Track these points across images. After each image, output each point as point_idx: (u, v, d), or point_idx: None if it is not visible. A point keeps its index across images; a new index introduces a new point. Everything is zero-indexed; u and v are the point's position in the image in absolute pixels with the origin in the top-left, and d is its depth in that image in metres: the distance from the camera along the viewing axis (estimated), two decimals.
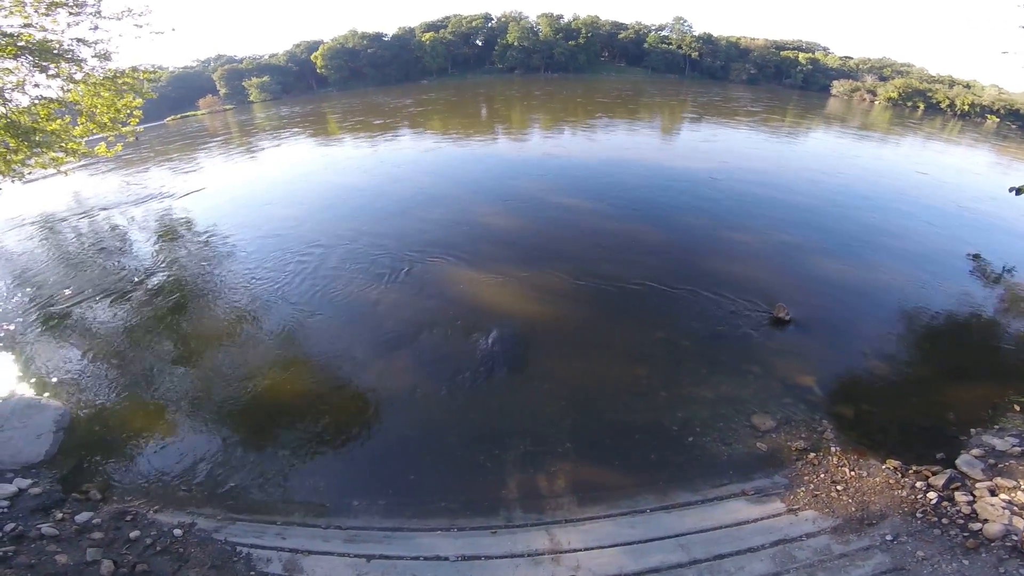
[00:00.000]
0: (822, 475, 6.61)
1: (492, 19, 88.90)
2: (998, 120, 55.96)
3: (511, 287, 11.57)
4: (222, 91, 79.76)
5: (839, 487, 6.42)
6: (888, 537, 5.69)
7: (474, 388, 8.42)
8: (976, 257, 13.51)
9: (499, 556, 5.64)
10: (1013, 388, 8.23)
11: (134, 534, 5.78)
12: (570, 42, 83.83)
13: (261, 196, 20.27)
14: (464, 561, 5.58)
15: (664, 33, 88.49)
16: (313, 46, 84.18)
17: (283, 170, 25.54)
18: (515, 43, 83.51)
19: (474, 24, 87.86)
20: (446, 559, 5.60)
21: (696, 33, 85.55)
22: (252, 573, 5.44)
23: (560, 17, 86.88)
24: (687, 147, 28.12)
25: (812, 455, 6.92)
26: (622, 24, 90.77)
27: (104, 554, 5.39)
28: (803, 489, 6.41)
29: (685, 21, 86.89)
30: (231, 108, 73.96)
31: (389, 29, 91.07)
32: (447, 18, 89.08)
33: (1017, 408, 7.82)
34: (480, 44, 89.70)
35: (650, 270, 12.02)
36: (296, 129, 41.85)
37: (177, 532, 5.86)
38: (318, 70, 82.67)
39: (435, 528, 6.01)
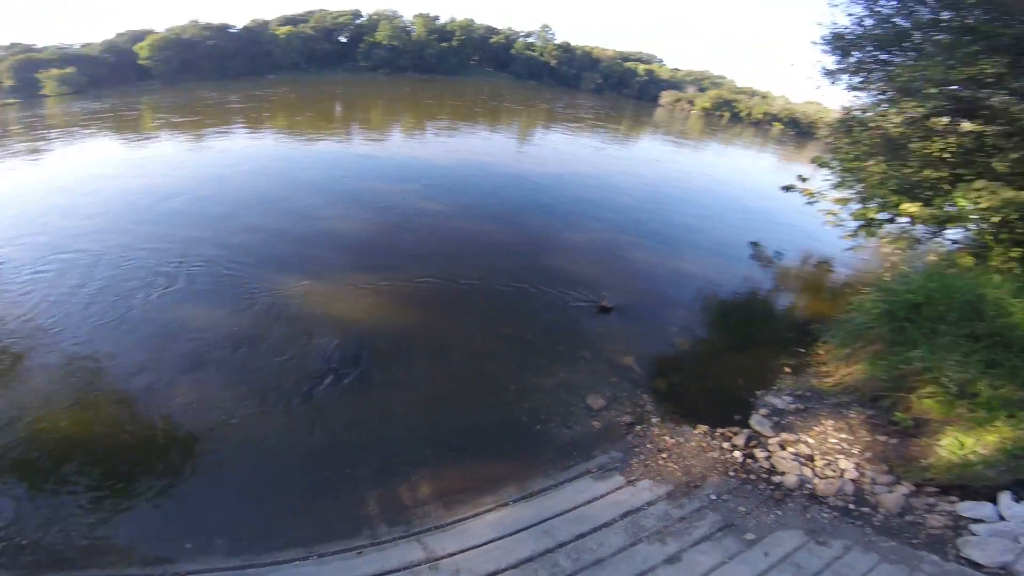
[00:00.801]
0: (648, 445, 7.38)
1: (362, 16, 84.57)
2: (782, 127, 68.92)
3: (353, 295, 11.17)
4: (6, 83, 64.42)
5: (664, 455, 7.19)
6: (713, 497, 6.44)
7: (314, 405, 7.98)
8: (755, 244, 16.91)
9: (372, 575, 5.50)
10: (785, 353, 10.24)
11: None
12: (443, 44, 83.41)
13: (43, 207, 16.13)
14: None
15: (531, 40, 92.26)
16: (140, 36, 72.02)
17: (74, 175, 20.56)
18: (384, 41, 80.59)
19: (341, 20, 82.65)
20: None
21: (557, 41, 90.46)
22: None
23: (437, 18, 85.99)
24: (535, 151, 30.14)
25: (638, 427, 7.77)
26: (495, 29, 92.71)
27: None
28: (636, 460, 7.10)
29: (550, 29, 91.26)
30: (13, 102, 60.17)
31: (241, 22, 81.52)
32: (311, 13, 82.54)
33: (788, 370, 9.69)
34: (344, 41, 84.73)
35: (496, 270, 12.64)
36: (100, 126, 35.27)
37: None
38: (140, 61, 71.05)
39: (293, 559, 5.70)
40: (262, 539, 5.98)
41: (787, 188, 16.57)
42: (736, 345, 10.77)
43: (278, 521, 6.21)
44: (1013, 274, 9.60)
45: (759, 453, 7.26)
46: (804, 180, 15.60)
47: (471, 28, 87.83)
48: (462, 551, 5.78)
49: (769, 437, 7.67)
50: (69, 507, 6.26)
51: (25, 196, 17.73)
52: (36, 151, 27.06)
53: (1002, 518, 6.22)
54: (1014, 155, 9.68)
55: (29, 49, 70.45)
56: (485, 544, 5.86)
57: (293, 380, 8.43)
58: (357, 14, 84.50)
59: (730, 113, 75.82)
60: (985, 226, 11.01)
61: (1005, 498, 6.44)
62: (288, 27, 78.01)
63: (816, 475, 7.06)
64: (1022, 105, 9.72)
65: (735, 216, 20.50)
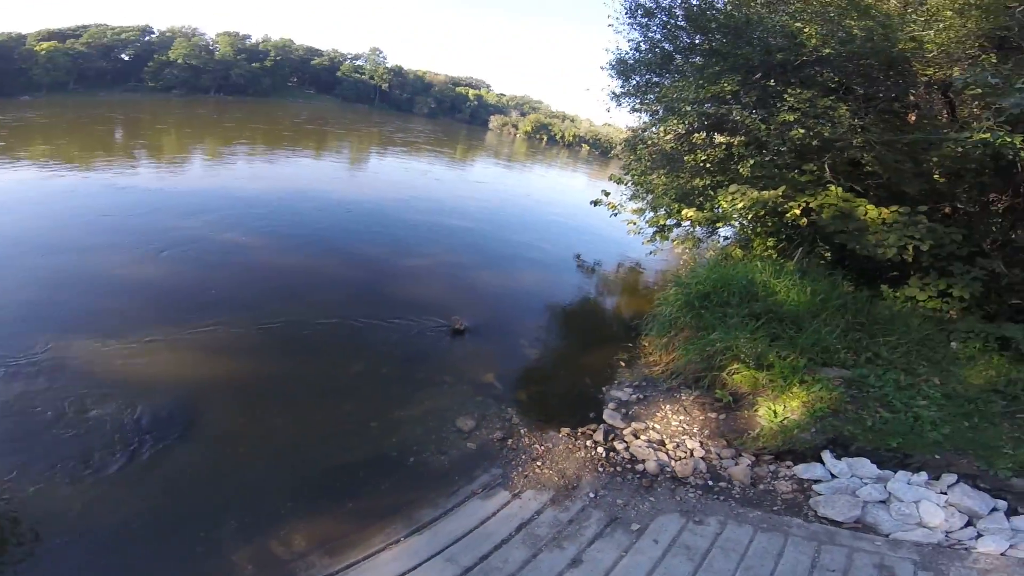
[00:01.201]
0: (523, 456, 7.50)
1: (153, 32, 72.00)
2: (588, 148, 78.80)
3: (163, 350, 9.22)
4: None
5: (539, 463, 7.33)
6: (591, 495, 6.59)
7: (140, 470, 6.64)
8: (578, 257, 19.30)
9: None
10: (618, 348, 11.45)
11: None
12: (254, 64, 75.90)
13: None
14: None
15: (359, 63, 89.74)
16: None
17: None
18: (179, 60, 70.01)
19: (125, 36, 69.08)
20: None
21: (389, 65, 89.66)
22: None
23: (247, 37, 77.68)
24: (368, 179, 29.83)
25: (509, 441, 7.89)
26: (317, 50, 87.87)
27: None
28: (515, 473, 7.13)
29: (381, 52, 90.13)
30: None
31: None
32: (84, 27, 67.26)
33: (623, 364, 10.76)
34: (126, 58, 71.17)
35: (336, 305, 11.97)
36: None
37: None
38: None
39: None
40: None
41: (595, 203, 18.06)
42: (578, 347, 11.88)
43: None
44: (772, 259, 11.85)
45: (618, 445, 7.66)
46: (607, 195, 17.46)
47: (288, 48, 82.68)
48: None
49: (622, 428, 8.15)
50: None
51: None
52: None
53: (833, 476, 6.82)
54: (753, 160, 11.64)
55: None
56: None
57: (102, 449, 6.83)
58: (147, 30, 72.57)
59: (547, 136, 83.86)
60: (745, 223, 13.80)
61: (828, 457, 7.06)
62: (52, 43, 63.05)
63: (671, 458, 7.50)
64: (754, 118, 11.24)
65: (561, 232, 23.28)
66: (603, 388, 9.57)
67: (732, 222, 13.83)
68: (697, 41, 12.64)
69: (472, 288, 14.65)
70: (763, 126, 10.96)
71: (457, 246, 18.17)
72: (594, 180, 44.88)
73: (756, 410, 8.11)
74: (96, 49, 67.20)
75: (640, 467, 7.20)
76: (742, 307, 9.58)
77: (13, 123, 38.26)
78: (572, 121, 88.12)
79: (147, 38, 72.41)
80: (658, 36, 13.38)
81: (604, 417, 8.39)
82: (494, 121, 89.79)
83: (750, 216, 12.19)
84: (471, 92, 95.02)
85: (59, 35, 65.74)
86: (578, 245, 20.65)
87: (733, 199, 11.55)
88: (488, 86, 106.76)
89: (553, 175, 44.98)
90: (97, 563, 5.38)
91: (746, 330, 8.98)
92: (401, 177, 30.65)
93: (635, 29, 13.64)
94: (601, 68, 17.68)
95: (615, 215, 17.67)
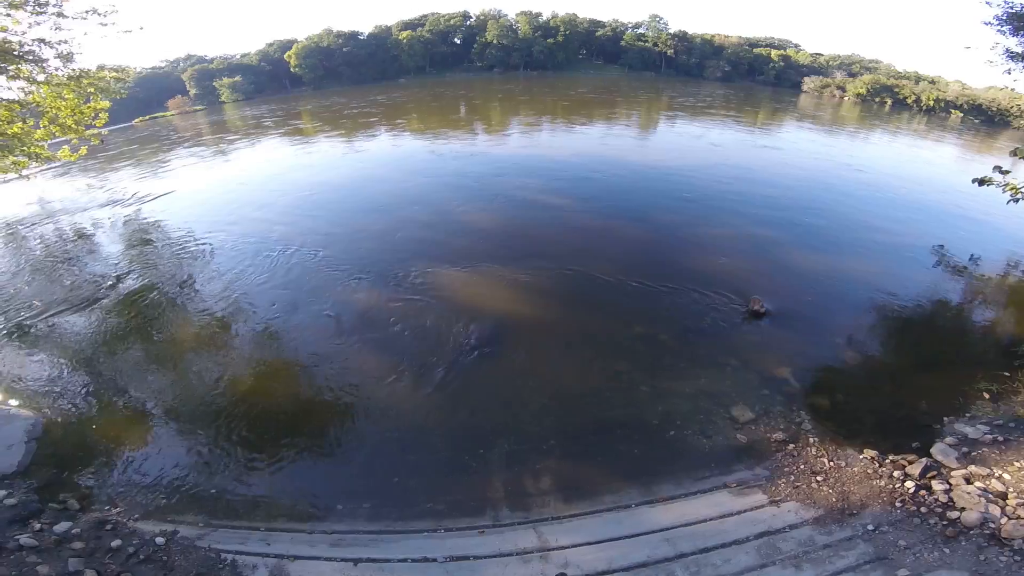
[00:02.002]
0: (802, 466, 6.71)
1: (471, 17, 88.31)
2: (962, 115, 58.04)
3: (492, 285, 11.57)
4: (192, 91, 77.72)
5: (819, 478, 6.51)
6: (870, 527, 5.77)
7: (457, 387, 8.39)
8: (941, 249, 13.99)
9: (487, 556, 5.63)
10: (982, 375, 8.45)
11: (115, 543, 5.64)
12: (548, 40, 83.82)
13: (233, 199, 19.83)
14: (453, 562, 5.57)
15: (640, 31, 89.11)
16: (286, 45, 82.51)
17: (255, 172, 25.05)
18: (494, 41, 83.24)
19: (452, 22, 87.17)
20: (434, 560, 5.59)
21: (672, 31, 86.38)
22: None
23: (539, 15, 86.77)
24: (664, 144, 28.55)
25: (791, 446, 7.03)
26: (599, 22, 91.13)
27: (86, 564, 5.27)
28: (784, 480, 6.49)
29: (661, 19, 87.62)
30: (201, 109, 72.13)
31: (366, 27, 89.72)
32: (424, 16, 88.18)
33: (987, 396, 8.02)
34: (459, 42, 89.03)
35: (630, 266, 12.13)
36: (269, 129, 41.06)
37: (159, 540, 5.73)
38: (292, 69, 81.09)
39: (422, 530, 5.99)
40: (400, 507, 6.33)
41: (981, 182, 13.55)
42: (918, 364, 9.09)
43: (416, 492, 6.53)
44: None
45: (937, 485, 6.32)
46: (1005, 173, 12.47)
47: (574, 23, 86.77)
48: (575, 545, 5.73)
49: (953, 469, 6.67)
50: (252, 464, 7.10)
51: (221, 190, 21.67)
52: (223, 152, 32.57)
53: None
54: None
55: (201, 60, 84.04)
56: (599, 543, 5.76)
57: (441, 363, 8.95)
58: (466, 15, 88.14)
59: (892, 100, 65.85)
60: None
61: None
62: (408, 32, 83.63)
63: (1005, 514, 5.95)
64: None
65: (909, 214, 17.25)
66: (943, 418, 7.58)
67: None
68: None
69: (779, 268, 12.63)
70: None
71: (764, 217, 15.73)
72: (971, 154, 33.33)
73: None
74: (436, 35, 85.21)
75: (954, 515, 5.97)
76: None
77: (401, 101, 52.36)
78: (932, 83, 66.58)
79: (467, 23, 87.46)
80: None
81: (932, 451, 6.85)
82: (809, 83, 75.51)
83: None
84: (774, 53, 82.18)
85: (410, 25, 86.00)
86: (939, 233, 15.14)
87: None
88: (796, 45, 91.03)
89: (901, 145, 34.65)
90: (402, 458, 7.08)
91: None
92: (702, 144, 28.15)
93: None
94: (985, 23, 12.74)
95: (1017, 200, 12.16)
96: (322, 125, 40.59)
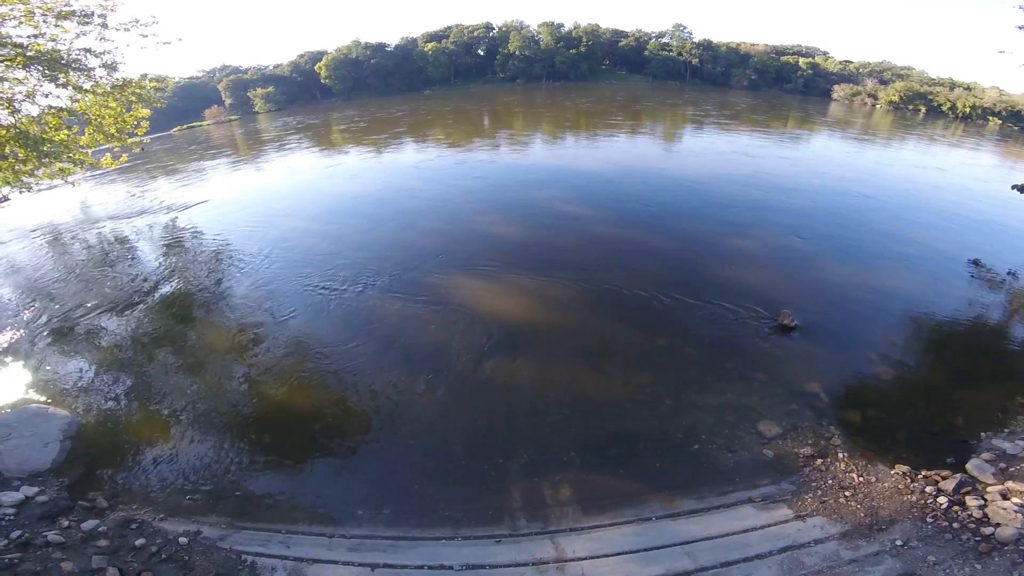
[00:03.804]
0: (830, 481, 6.55)
1: (493, 28, 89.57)
2: (1000, 122, 55.81)
3: (514, 294, 11.61)
4: (227, 101, 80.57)
5: (847, 493, 6.35)
6: (898, 542, 5.64)
7: (478, 395, 8.42)
8: (976, 262, 13.36)
9: (503, 565, 5.61)
10: (1021, 392, 8.14)
11: (139, 542, 5.78)
12: (571, 50, 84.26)
13: (266, 207, 20.48)
14: (468, 570, 5.55)
15: (664, 40, 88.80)
16: (316, 56, 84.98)
17: (288, 181, 25.88)
18: (516, 52, 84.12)
19: (475, 34, 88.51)
20: (450, 568, 5.57)
21: (696, 40, 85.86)
22: None
23: (560, 26, 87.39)
24: (690, 154, 28.24)
25: (819, 461, 6.87)
26: (622, 32, 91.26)
27: (110, 561, 5.39)
28: (811, 495, 6.35)
29: (685, 28, 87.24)
30: (236, 119, 74.69)
31: (392, 39, 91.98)
32: (449, 28, 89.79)
33: None
34: (482, 54, 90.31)
35: (654, 278, 12.01)
36: (301, 139, 42.24)
37: (182, 540, 5.86)
38: (322, 80, 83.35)
39: (440, 537, 6.00)
40: (419, 514, 6.35)
41: (1022, 188, 13.21)
42: (954, 379, 8.76)
43: (435, 499, 6.55)
44: None
45: (971, 501, 6.13)
46: None
47: (597, 33, 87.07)
48: (592, 557, 5.68)
49: (989, 484, 6.52)
50: (276, 468, 7.23)
51: (254, 199, 22.45)
52: (256, 161, 33.75)
53: None
54: None
55: (236, 71, 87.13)
56: (617, 555, 5.69)
57: (463, 373, 9.03)
58: (489, 27, 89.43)
59: (926, 107, 63.86)
60: None
61: None
62: (433, 44, 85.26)
63: None
64: None
65: (945, 225, 16.58)
66: (981, 433, 7.34)
67: None
68: None
69: (809, 279, 12.36)
70: None
71: (793, 228, 15.39)
72: (1011, 161, 32.09)
73: None
74: (460, 46, 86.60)
75: (988, 530, 5.82)
76: None
77: (425, 112, 53.28)
78: (968, 89, 64.30)
79: (490, 34, 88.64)
80: None
81: (967, 466, 6.67)
82: (839, 91, 73.93)
83: None
84: (802, 61, 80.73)
85: (435, 36, 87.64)
86: (976, 245, 14.45)
87: None
88: (825, 53, 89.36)
89: (936, 154, 33.43)
90: (422, 465, 7.13)
91: None
92: (728, 152, 27.71)
93: None
94: (1019, 28, 12.64)
95: None
96: (351, 135, 41.61)
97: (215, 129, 63.31)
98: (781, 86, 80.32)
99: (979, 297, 11.66)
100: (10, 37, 9.87)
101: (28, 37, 10.08)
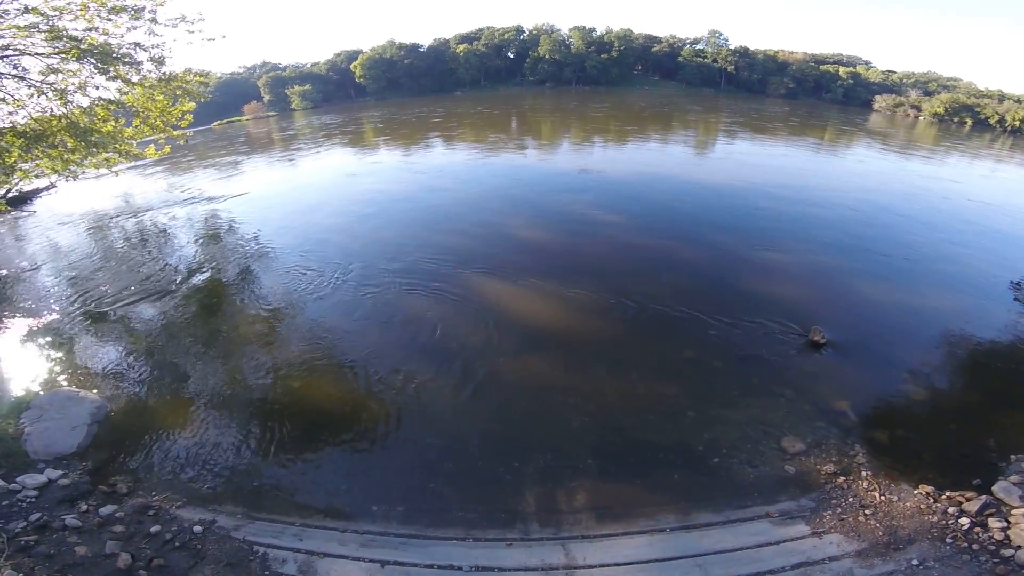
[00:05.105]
0: (850, 499, 6.41)
1: (524, 32, 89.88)
2: None
3: (538, 299, 11.56)
4: (266, 98, 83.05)
5: (867, 511, 6.21)
6: (914, 562, 5.51)
7: (498, 399, 8.39)
8: (1020, 285, 12.67)
9: (512, 569, 5.58)
10: None
11: (155, 529, 5.87)
12: (602, 55, 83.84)
13: (301, 202, 20.93)
14: (477, 572, 5.52)
15: (699, 47, 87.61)
16: (352, 55, 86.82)
17: (323, 177, 26.45)
18: (547, 56, 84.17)
19: (506, 36, 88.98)
20: (459, 569, 5.55)
21: (732, 47, 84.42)
22: (267, 573, 5.47)
23: (592, 30, 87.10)
24: (723, 163, 27.68)
25: (841, 479, 6.70)
26: (656, 38, 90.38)
27: (123, 547, 5.45)
28: (829, 512, 6.22)
29: (721, 35, 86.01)
30: (274, 115, 76.90)
31: (425, 40, 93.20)
32: (480, 30, 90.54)
33: None
34: (512, 56, 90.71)
35: (682, 289, 11.83)
36: (336, 137, 43.18)
37: (197, 529, 5.94)
38: (357, 79, 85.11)
39: (451, 537, 5.98)
40: (432, 513, 6.34)
41: None
42: (989, 402, 8.39)
43: (449, 499, 6.54)
44: None
45: (994, 523, 6.00)
46: None
47: (630, 38, 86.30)
48: (602, 565, 5.61)
49: (1014, 507, 6.39)
50: (295, 460, 7.31)
51: (289, 194, 23.02)
52: (291, 157, 34.62)
53: None
54: None
55: (275, 68, 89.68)
56: (627, 564, 5.62)
57: (486, 374, 9.03)
58: (520, 30, 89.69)
59: (973, 120, 61.29)
60: None
61: None
62: (464, 45, 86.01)
63: None
64: None
65: (989, 243, 15.81)
66: (1011, 456, 7.10)
67: None
68: None
69: (842, 295, 11.95)
70: None
71: (828, 242, 14.91)
72: None
73: None
74: (491, 49, 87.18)
75: (1008, 552, 5.78)
76: None
77: (457, 112, 53.78)
78: (1018, 101, 61.43)
79: (521, 37, 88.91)
80: None
81: (993, 488, 6.45)
82: (881, 101, 71.58)
83: None
84: (842, 70, 78.45)
85: (467, 38, 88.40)
86: (1022, 266, 13.83)
87: None
88: (866, 62, 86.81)
89: (982, 168, 32.02)
90: (439, 464, 7.13)
91: None
92: (763, 163, 27.30)
93: None
94: None
95: None
96: (384, 134, 42.37)
97: (253, 124, 65.28)
98: (820, 95, 78.30)
99: (1020, 320, 11.08)
100: (66, 30, 10.38)
101: (83, 31, 10.58)
